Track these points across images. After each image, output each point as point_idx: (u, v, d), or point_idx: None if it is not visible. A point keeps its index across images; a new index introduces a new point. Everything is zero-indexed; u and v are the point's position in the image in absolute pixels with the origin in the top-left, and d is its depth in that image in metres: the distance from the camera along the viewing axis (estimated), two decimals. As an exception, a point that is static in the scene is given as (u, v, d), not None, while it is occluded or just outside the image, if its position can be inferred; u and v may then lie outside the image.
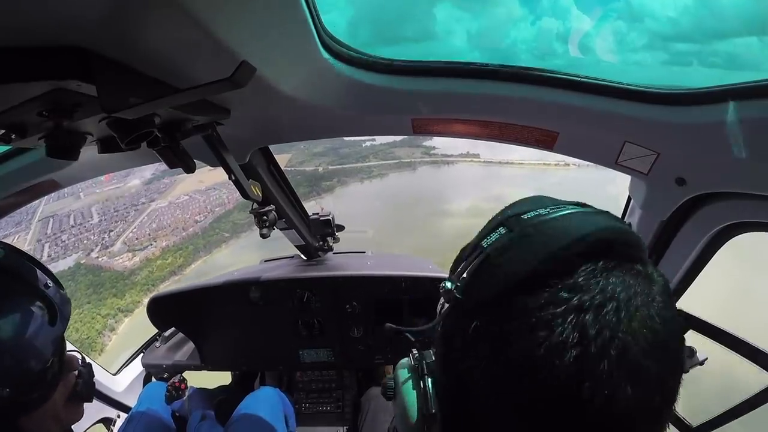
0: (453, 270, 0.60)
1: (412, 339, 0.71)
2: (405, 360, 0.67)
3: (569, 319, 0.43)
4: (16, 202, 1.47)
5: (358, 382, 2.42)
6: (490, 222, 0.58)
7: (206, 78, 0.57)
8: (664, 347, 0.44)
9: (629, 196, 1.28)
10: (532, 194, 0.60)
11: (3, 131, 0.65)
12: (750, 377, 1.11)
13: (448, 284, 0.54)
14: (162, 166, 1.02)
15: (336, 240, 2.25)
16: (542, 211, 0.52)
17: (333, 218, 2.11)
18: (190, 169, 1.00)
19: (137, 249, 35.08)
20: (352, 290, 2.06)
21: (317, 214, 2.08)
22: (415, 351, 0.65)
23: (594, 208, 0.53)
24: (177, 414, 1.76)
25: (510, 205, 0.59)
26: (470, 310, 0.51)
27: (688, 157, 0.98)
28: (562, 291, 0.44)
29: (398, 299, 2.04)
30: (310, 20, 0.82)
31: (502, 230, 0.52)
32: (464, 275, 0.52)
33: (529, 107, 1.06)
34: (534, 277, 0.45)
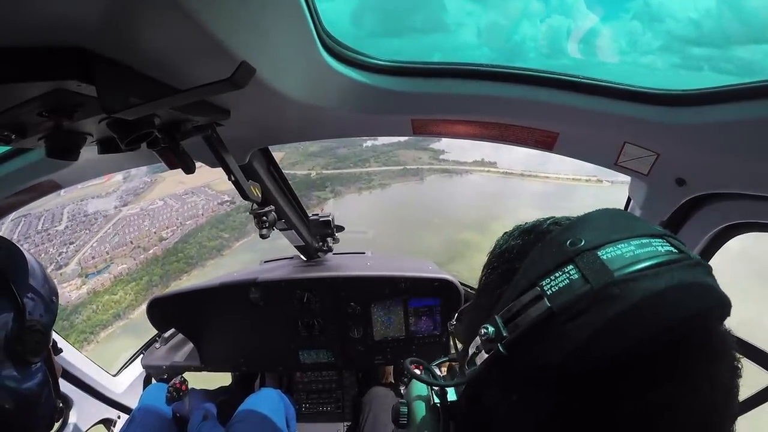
0: (486, 292, 0.50)
1: (429, 378, 0.60)
2: (422, 388, 0.62)
3: (638, 419, 0.37)
4: (16, 202, 1.47)
5: (358, 382, 2.41)
6: (545, 240, 0.45)
7: (206, 78, 0.57)
8: None
9: (629, 197, 1.28)
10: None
11: (3, 131, 0.65)
12: (750, 377, 1.11)
13: (490, 330, 0.43)
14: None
15: (336, 240, 2.25)
16: (624, 249, 0.39)
17: (333, 219, 2.11)
18: (189, 169, 1.00)
19: (89, 273, 29.36)
20: (352, 291, 2.06)
21: (317, 214, 2.09)
22: (435, 387, 0.58)
23: (681, 247, 0.42)
24: (178, 414, 1.76)
25: (576, 222, 0.46)
26: (518, 374, 0.42)
27: (687, 157, 0.99)
28: (636, 385, 0.37)
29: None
30: (310, 21, 0.83)
31: (572, 272, 0.39)
32: (513, 326, 0.42)
33: (529, 108, 1.06)
34: (612, 364, 0.36)
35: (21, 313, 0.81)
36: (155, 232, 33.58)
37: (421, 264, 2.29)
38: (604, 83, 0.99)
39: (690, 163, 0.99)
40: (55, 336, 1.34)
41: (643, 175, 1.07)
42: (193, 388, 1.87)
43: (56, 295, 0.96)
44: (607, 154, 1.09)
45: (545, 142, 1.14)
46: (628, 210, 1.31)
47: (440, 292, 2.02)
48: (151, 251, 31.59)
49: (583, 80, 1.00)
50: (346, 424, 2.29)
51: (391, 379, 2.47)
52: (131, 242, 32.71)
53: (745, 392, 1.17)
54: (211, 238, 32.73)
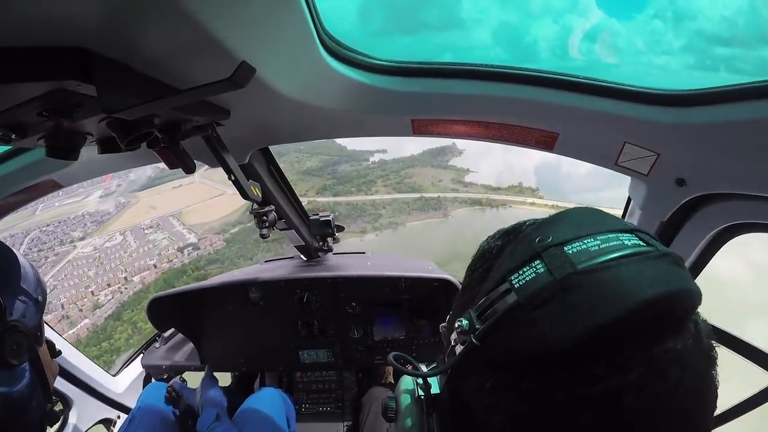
0: (467, 291, 0.52)
1: (416, 371, 0.61)
2: (409, 383, 0.63)
3: (606, 402, 0.37)
4: (16, 202, 1.47)
5: (358, 382, 2.41)
6: (516, 240, 0.48)
7: (206, 78, 0.57)
8: (695, 425, 0.41)
9: (629, 197, 1.28)
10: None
11: (3, 131, 0.65)
12: (750, 377, 1.11)
13: (464, 323, 0.45)
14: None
15: (336, 240, 2.25)
16: (590, 243, 0.41)
17: (333, 219, 2.11)
18: (189, 169, 1.00)
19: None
20: (352, 291, 2.06)
21: (317, 214, 2.09)
22: (420, 380, 0.60)
23: (650, 240, 0.43)
24: (180, 410, 1.74)
25: (547, 221, 0.48)
26: (490, 363, 0.44)
27: (688, 157, 0.99)
28: (603, 368, 0.37)
29: (398, 301, 2.05)
30: (310, 21, 0.83)
31: (538, 266, 0.41)
32: (484, 318, 0.44)
33: (529, 108, 1.06)
34: (575, 348, 0.38)
35: (1, 313, 0.79)
36: (93, 292, 26.84)
37: (421, 264, 2.29)
38: (604, 83, 0.99)
39: (690, 163, 0.99)
40: (54, 337, 1.32)
41: (643, 175, 1.07)
42: (209, 367, 1.84)
43: (45, 295, 0.96)
44: (608, 155, 1.09)
45: (545, 142, 1.14)
46: (629, 210, 1.31)
47: (440, 291, 2.02)
48: (76, 328, 24.31)
49: (583, 80, 1.00)
50: (346, 423, 2.29)
51: (391, 379, 2.47)
52: (62, 306, 25.94)
53: (745, 392, 1.16)
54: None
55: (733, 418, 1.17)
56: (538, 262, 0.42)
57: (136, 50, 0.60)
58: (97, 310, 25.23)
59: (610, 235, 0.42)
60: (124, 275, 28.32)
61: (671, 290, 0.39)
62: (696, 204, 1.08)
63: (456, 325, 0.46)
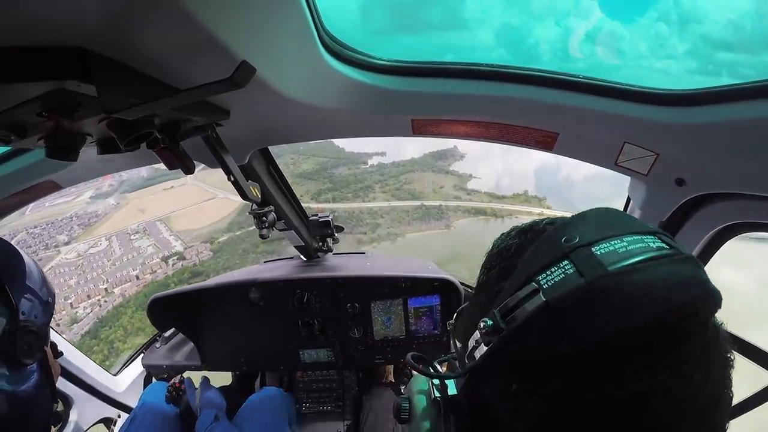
0: (484, 289, 0.52)
1: (433, 371, 0.60)
2: (423, 383, 0.62)
3: (633, 405, 0.38)
4: (16, 203, 1.47)
5: (359, 381, 2.42)
6: (541, 238, 0.47)
7: (206, 78, 0.57)
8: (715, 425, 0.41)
9: (628, 197, 1.28)
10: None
11: (3, 131, 0.65)
12: (750, 376, 1.11)
13: (489, 323, 0.44)
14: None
15: (335, 241, 2.25)
16: (618, 246, 0.41)
17: (332, 219, 2.11)
18: (189, 170, 1.00)
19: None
20: (352, 291, 2.06)
21: (316, 215, 2.09)
22: (437, 381, 0.59)
23: (672, 243, 0.43)
24: (183, 409, 1.74)
25: (571, 221, 0.47)
26: (516, 364, 0.43)
27: (687, 157, 0.99)
28: (632, 371, 0.37)
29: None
30: (310, 20, 0.83)
31: (567, 267, 0.41)
32: (510, 319, 0.43)
33: (529, 108, 1.06)
34: (604, 350, 0.38)
35: (14, 313, 0.80)
36: (72, 304, 25.03)
37: (421, 264, 2.29)
38: (603, 83, 0.99)
39: (689, 163, 0.99)
40: (56, 338, 1.32)
41: (642, 175, 1.07)
42: (204, 376, 1.85)
43: (53, 296, 0.96)
44: (607, 154, 1.09)
45: (545, 142, 1.14)
46: (628, 210, 1.31)
47: (440, 291, 2.02)
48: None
49: (582, 80, 1.00)
50: (346, 422, 2.29)
51: (391, 379, 2.47)
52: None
53: (744, 392, 1.16)
54: (128, 332, 23.04)
55: (733, 418, 1.17)
56: (566, 262, 0.41)
57: (137, 50, 0.60)
58: (75, 325, 23.49)
59: (635, 237, 0.42)
60: (104, 286, 27.02)
61: (698, 294, 0.39)
62: (696, 204, 1.08)
63: (481, 326, 0.45)
